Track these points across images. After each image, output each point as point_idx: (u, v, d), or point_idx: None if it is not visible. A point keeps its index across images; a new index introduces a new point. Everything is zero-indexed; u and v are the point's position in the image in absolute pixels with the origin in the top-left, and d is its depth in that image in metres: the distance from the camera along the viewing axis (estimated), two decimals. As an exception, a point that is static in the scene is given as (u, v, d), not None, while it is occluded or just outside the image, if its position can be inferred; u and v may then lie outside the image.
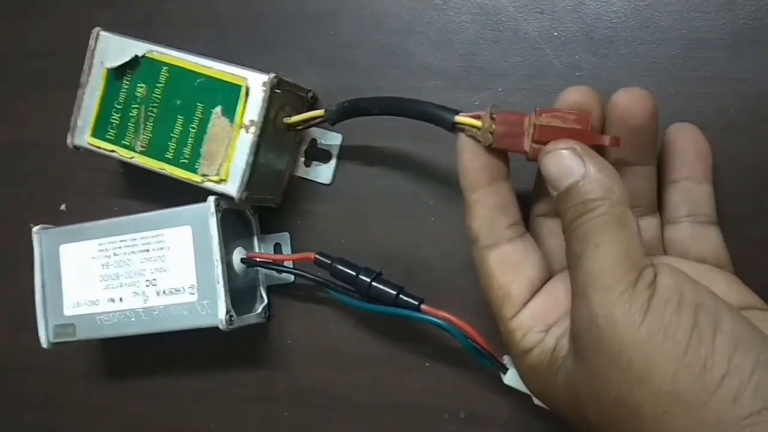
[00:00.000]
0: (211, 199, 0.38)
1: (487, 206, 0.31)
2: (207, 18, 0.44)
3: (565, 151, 0.28)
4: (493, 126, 0.30)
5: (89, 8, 0.47)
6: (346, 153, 0.41)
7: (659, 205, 0.32)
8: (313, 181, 0.41)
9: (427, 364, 0.39)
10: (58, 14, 0.48)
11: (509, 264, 0.31)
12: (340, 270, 0.37)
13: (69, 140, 0.41)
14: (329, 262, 0.37)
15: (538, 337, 0.30)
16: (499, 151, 0.31)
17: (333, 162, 0.41)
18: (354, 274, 0.37)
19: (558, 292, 0.31)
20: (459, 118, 0.31)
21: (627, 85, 0.35)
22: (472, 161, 0.31)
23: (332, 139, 0.41)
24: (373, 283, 0.36)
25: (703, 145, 0.31)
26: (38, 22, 0.49)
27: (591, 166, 0.27)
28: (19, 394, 0.50)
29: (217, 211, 0.38)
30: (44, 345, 0.42)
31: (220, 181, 0.37)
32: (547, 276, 0.31)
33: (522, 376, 0.32)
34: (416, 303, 0.36)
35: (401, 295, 0.36)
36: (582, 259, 0.27)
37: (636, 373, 0.25)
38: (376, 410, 0.40)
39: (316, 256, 0.38)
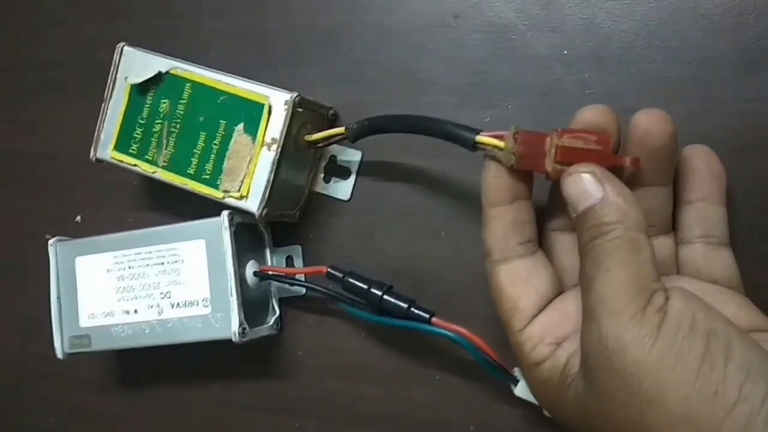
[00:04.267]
0: (225, 213, 0.39)
1: (504, 223, 0.31)
2: (219, 34, 0.45)
3: (585, 175, 0.29)
4: (516, 147, 0.30)
5: (103, 22, 0.48)
6: (364, 168, 0.41)
7: (673, 225, 0.33)
8: (332, 198, 0.42)
9: (438, 377, 0.40)
10: (73, 27, 0.49)
11: (519, 278, 0.31)
12: (352, 283, 0.38)
13: (92, 153, 0.41)
14: (341, 275, 0.38)
15: (548, 351, 0.30)
16: (522, 172, 0.31)
17: (352, 178, 0.41)
18: (366, 287, 0.37)
19: (569, 307, 0.31)
20: (480, 138, 0.32)
21: (636, 104, 0.36)
22: (495, 179, 0.31)
23: (352, 155, 0.41)
24: (385, 297, 0.37)
25: (718, 167, 0.32)
26: (55, 34, 0.49)
27: (609, 190, 0.28)
28: (33, 404, 0.50)
29: (230, 225, 0.39)
30: (60, 356, 0.43)
31: (242, 197, 0.38)
32: (558, 292, 0.32)
33: (532, 389, 0.32)
34: (427, 316, 0.36)
35: (412, 308, 0.37)
36: (593, 282, 0.27)
37: (647, 395, 0.25)
38: (386, 422, 0.41)
39: (328, 269, 0.39)
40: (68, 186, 0.49)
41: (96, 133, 0.41)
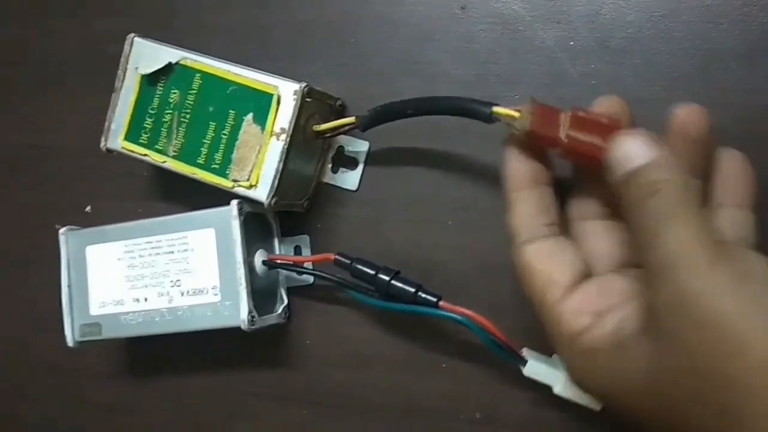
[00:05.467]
0: (234, 202, 0.39)
1: (529, 205, 0.32)
2: (222, 27, 0.45)
3: (634, 136, 0.29)
4: (531, 117, 0.31)
5: (108, 15, 0.48)
6: (371, 158, 0.42)
7: None
8: (339, 188, 0.42)
9: (444, 365, 0.40)
10: (78, 20, 0.49)
11: (548, 255, 0.32)
12: (360, 269, 0.38)
13: (102, 143, 0.42)
14: (348, 261, 0.39)
15: (591, 320, 0.30)
16: (542, 157, 0.32)
17: (360, 169, 0.42)
18: (373, 272, 0.38)
19: (607, 284, 0.31)
20: (496, 109, 0.32)
21: (641, 95, 0.37)
22: (518, 163, 0.32)
23: (359, 146, 0.42)
24: (392, 281, 0.37)
25: (752, 174, 0.32)
26: (60, 26, 0.50)
27: (660, 150, 0.28)
28: (42, 394, 0.50)
29: (240, 214, 0.39)
30: (70, 344, 0.43)
31: (251, 186, 0.39)
32: (587, 274, 0.32)
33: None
34: (435, 300, 0.37)
35: (420, 293, 0.37)
36: (658, 238, 0.27)
37: (731, 345, 0.25)
38: (393, 410, 0.41)
39: (336, 256, 0.39)
40: (78, 177, 0.49)
41: (107, 123, 0.42)
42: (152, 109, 0.41)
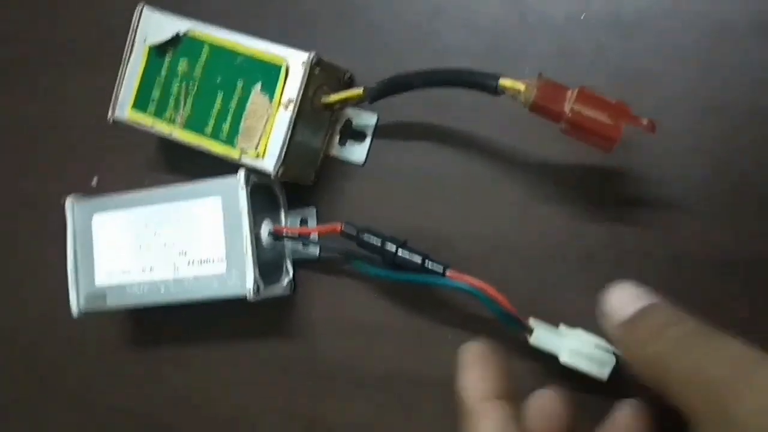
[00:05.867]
0: (241, 171, 0.39)
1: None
2: (231, 1, 0.45)
3: (628, 284, 0.30)
4: (536, 90, 0.31)
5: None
6: (378, 132, 0.42)
7: None
8: (347, 161, 0.42)
9: (450, 336, 0.40)
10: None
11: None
12: (367, 239, 0.38)
13: (110, 114, 0.42)
14: (355, 232, 0.38)
15: None
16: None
17: (367, 142, 0.42)
18: (380, 242, 0.38)
19: None
20: (503, 81, 0.33)
21: (652, 68, 0.36)
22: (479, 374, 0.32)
23: (367, 119, 0.42)
24: (400, 251, 0.37)
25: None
26: (69, 2, 0.50)
27: (655, 297, 0.29)
28: (49, 364, 0.51)
29: (246, 183, 0.39)
30: (75, 313, 0.43)
31: (258, 156, 0.38)
32: None
33: None
34: (442, 269, 0.37)
35: (427, 262, 0.37)
36: (683, 375, 0.25)
37: None
38: (399, 382, 0.41)
39: (343, 226, 0.39)
40: (85, 150, 0.49)
41: (114, 93, 0.42)
42: (160, 79, 0.41)
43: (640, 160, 0.37)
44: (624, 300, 0.29)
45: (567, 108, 0.31)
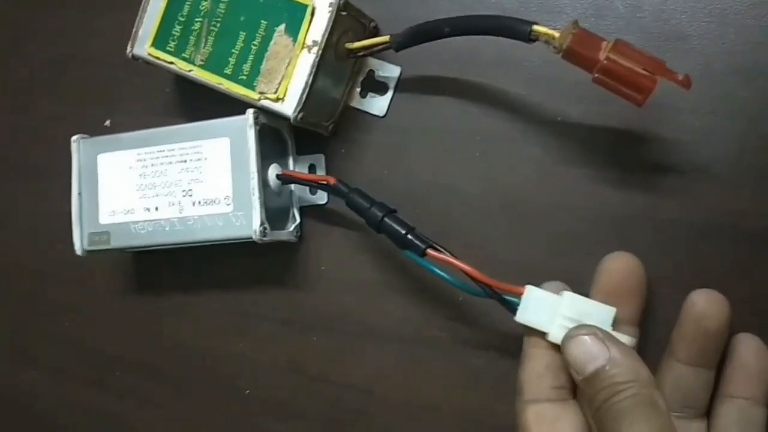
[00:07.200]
0: (250, 111, 0.38)
1: (541, 364, 0.32)
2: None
3: (587, 337, 0.29)
4: (570, 38, 0.31)
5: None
6: (400, 85, 0.41)
7: (710, 410, 0.32)
8: (367, 113, 0.41)
9: (461, 298, 0.39)
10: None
11: (548, 420, 0.31)
12: (355, 200, 0.37)
13: (129, 50, 0.41)
14: (347, 190, 0.38)
15: None
16: None
17: (389, 94, 0.41)
18: (368, 206, 0.37)
19: None
20: (537, 27, 0.32)
21: (686, 30, 0.35)
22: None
23: (390, 71, 0.41)
24: (385, 219, 0.36)
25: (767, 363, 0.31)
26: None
27: (614, 350, 0.29)
28: (49, 305, 0.50)
29: (255, 123, 0.38)
30: (78, 252, 0.43)
31: (278, 99, 0.38)
32: None
33: None
34: (422, 247, 0.35)
35: (409, 235, 0.35)
36: None
37: None
38: (405, 341, 0.40)
39: (336, 181, 0.38)
40: (99, 91, 0.49)
41: (134, 29, 0.41)
42: (182, 16, 0.40)
43: (666, 125, 0.36)
44: (582, 357, 0.29)
45: (602, 56, 0.30)
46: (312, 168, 0.42)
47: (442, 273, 0.34)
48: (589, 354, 0.29)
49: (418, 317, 0.40)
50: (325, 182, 0.38)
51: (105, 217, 0.42)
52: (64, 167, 0.45)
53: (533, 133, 0.38)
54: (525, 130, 0.38)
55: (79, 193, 0.43)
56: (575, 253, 0.37)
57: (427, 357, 0.40)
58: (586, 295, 0.33)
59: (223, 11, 0.39)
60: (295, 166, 0.42)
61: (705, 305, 0.30)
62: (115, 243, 0.42)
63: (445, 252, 0.34)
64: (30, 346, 0.51)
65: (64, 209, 0.44)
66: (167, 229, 0.40)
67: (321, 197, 0.42)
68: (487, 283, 0.33)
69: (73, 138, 0.43)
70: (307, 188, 0.42)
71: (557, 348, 0.31)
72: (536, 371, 0.32)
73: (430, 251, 0.35)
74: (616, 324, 0.31)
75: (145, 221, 0.41)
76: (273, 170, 0.40)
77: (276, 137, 0.41)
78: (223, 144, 0.39)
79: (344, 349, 0.42)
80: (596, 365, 0.29)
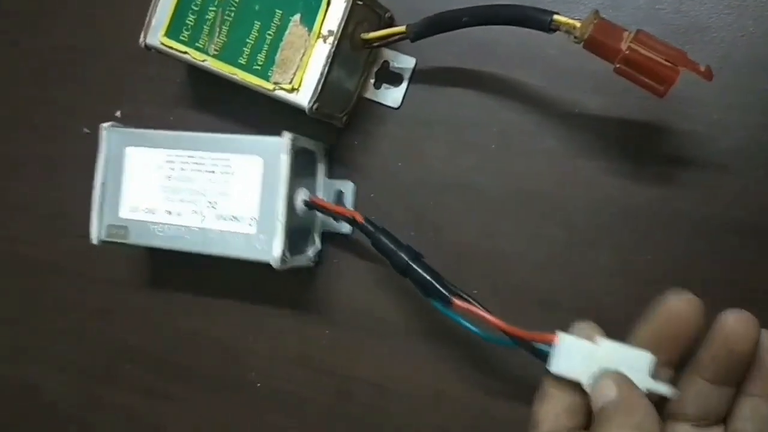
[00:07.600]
0: (287, 135, 0.37)
1: (560, 405, 0.31)
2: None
3: (615, 376, 0.30)
4: (593, 24, 0.30)
5: None
6: (415, 77, 0.40)
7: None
8: (381, 104, 0.41)
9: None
10: None
11: None
12: (381, 241, 0.36)
13: (141, 39, 0.40)
14: (373, 230, 0.37)
15: None
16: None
17: (404, 85, 0.41)
18: (394, 249, 0.36)
19: None
20: (558, 17, 0.32)
21: (706, 22, 0.35)
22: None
23: (405, 62, 0.40)
24: (411, 264, 0.35)
25: None
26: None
27: (632, 393, 0.29)
28: (53, 300, 0.50)
29: (291, 148, 0.37)
30: (94, 241, 0.42)
31: (292, 90, 0.37)
32: None
33: None
34: (447, 295, 0.34)
35: (437, 285, 0.34)
36: None
37: None
38: (415, 333, 0.41)
39: (363, 220, 0.37)
40: (110, 81, 0.48)
41: (147, 18, 0.40)
42: (195, 5, 0.39)
43: (683, 117, 0.36)
44: (604, 388, 0.30)
45: (624, 45, 0.30)
46: (339, 194, 0.42)
47: (468, 324, 0.33)
48: (608, 389, 0.29)
49: (430, 311, 0.40)
50: (351, 217, 0.38)
51: (126, 212, 0.42)
52: (74, 158, 0.45)
53: (550, 125, 0.38)
54: (542, 122, 0.38)
55: (103, 183, 0.42)
56: (593, 245, 0.37)
57: (438, 351, 0.40)
58: (622, 334, 0.31)
59: (237, 0, 0.38)
60: (323, 190, 0.41)
61: (735, 326, 0.30)
62: (133, 240, 0.42)
63: (473, 302, 0.33)
64: (39, 338, 0.51)
65: (74, 201, 0.44)
66: (187, 236, 0.40)
67: (345, 227, 0.41)
68: (516, 335, 0.32)
69: (104, 125, 0.43)
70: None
71: (578, 389, 0.31)
72: (554, 412, 0.31)
73: (456, 300, 0.33)
74: (655, 369, 0.30)
75: (165, 224, 0.41)
76: (301, 194, 0.39)
77: (308, 158, 0.40)
78: (255, 163, 0.38)
79: (355, 343, 0.42)
80: (609, 398, 0.29)
